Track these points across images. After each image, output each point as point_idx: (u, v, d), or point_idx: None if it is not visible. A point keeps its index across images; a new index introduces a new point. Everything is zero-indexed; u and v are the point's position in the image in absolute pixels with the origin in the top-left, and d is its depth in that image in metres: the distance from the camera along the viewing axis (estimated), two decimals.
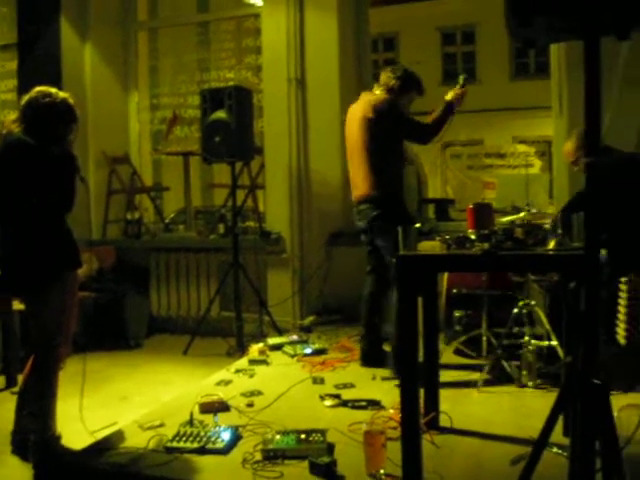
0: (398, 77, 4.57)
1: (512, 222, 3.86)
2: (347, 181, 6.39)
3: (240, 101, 5.61)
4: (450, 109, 4.51)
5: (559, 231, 2.73)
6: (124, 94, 7.59)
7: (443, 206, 7.11)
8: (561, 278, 4.17)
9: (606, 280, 4.24)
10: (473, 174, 16.73)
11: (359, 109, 4.53)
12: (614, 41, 1.83)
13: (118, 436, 3.45)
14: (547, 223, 3.09)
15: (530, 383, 4.11)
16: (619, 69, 3.98)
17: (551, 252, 2.63)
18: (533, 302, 4.33)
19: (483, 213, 3.01)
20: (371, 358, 4.61)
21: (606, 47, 1.94)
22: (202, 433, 3.30)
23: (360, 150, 4.47)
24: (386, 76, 4.61)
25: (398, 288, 2.75)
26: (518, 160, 16.77)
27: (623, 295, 4.65)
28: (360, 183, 4.49)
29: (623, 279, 4.58)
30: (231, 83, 6.81)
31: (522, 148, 17.50)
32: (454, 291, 4.90)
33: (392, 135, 4.45)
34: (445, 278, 5.00)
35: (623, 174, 4.21)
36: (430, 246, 2.90)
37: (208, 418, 3.56)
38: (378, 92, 4.58)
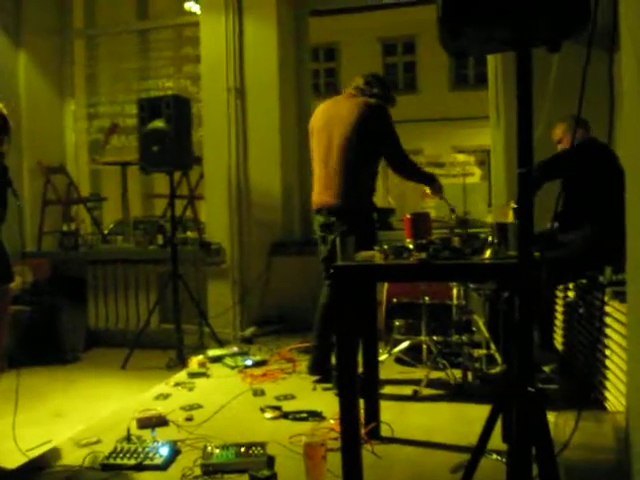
0: (381, 85, 4.48)
1: (450, 231, 3.90)
2: (287, 190, 6.46)
3: (178, 110, 5.55)
4: (430, 179, 4.49)
5: (495, 239, 2.76)
6: (60, 103, 7.45)
7: (385, 215, 7.13)
8: (497, 287, 4.24)
9: (542, 288, 4.32)
10: (413, 183, 16.89)
11: (345, 109, 4.34)
12: (546, 53, 1.86)
13: (53, 454, 3.36)
14: (485, 232, 3.13)
15: (470, 390, 4.15)
16: (550, 80, 4.07)
17: (487, 261, 2.65)
18: (472, 310, 4.38)
19: (420, 222, 3.03)
20: (319, 368, 4.58)
21: (539, 58, 1.98)
22: (140, 449, 3.24)
23: (342, 153, 4.28)
24: (364, 81, 4.52)
25: (335, 298, 2.75)
26: (457, 169, 17.03)
27: (560, 302, 4.76)
28: (335, 190, 4.29)
29: (560, 287, 4.68)
30: (170, 92, 6.74)
31: (461, 157, 17.80)
32: (394, 300, 4.93)
33: (378, 144, 4.30)
34: (385, 287, 5.03)
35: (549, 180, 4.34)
36: (368, 256, 2.90)
37: (146, 433, 3.50)
38: (362, 98, 4.40)
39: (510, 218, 3.88)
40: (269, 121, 6.33)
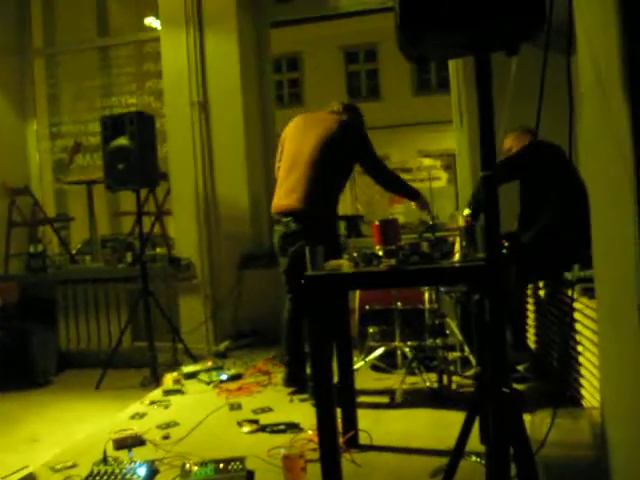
0: (357, 115, 4.58)
1: (419, 236, 3.93)
2: (255, 201, 6.45)
3: (142, 126, 5.51)
4: (415, 194, 4.52)
5: (464, 242, 2.78)
6: (22, 123, 7.37)
7: (354, 222, 7.19)
8: (468, 289, 4.27)
9: (512, 288, 4.36)
10: (381, 189, 16.95)
11: (321, 121, 4.43)
12: (505, 57, 1.88)
13: None
14: (453, 235, 3.15)
15: (447, 394, 4.16)
16: (510, 83, 4.13)
17: (456, 264, 2.67)
18: (445, 314, 4.41)
19: (389, 229, 3.03)
20: (294, 379, 4.57)
21: (498, 62, 2.00)
22: (117, 471, 3.20)
23: (312, 161, 4.32)
24: (342, 107, 4.58)
25: (306, 307, 2.75)
26: (424, 174, 17.12)
27: (531, 301, 4.80)
28: (301, 194, 4.30)
29: (530, 286, 4.72)
30: (133, 108, 6.71)
31: (428, 162, 17.89)
32: (367, 307, 4.95)
33: (351, 159, 4.39)
34: (357, 295, 5.04)
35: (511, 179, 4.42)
36: (338, 265, 2.90)
37: (123, 454, 3.46)
38: (340, 116, 4.50)
39: (460, 223, 3.94)
40: (234, 133, 6.32)
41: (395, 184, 4.52)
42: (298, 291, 4.45)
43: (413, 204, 4.55)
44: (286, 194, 4.35)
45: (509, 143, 4.77)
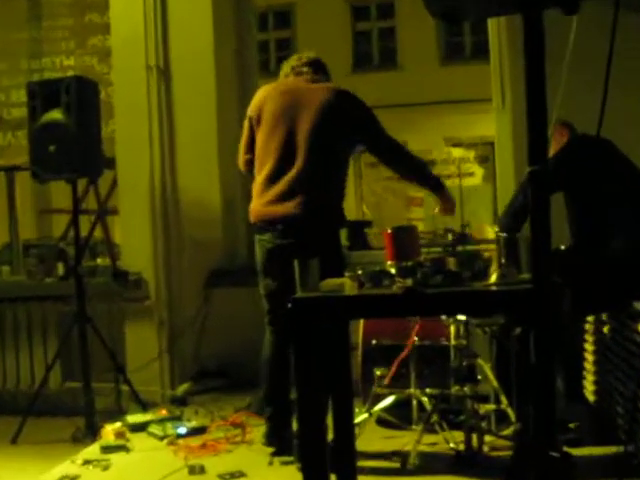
0: (325, 73, 4.65)
1: (445, 249, 3.94)
2: (228, 201, 6.46)
3: (82, 97, 5.51)
4: (438, 184, 4.57)
5: (503, 259, 2.79)
6: None
7: (358, 230, 7.19)
8: (507, 321, 4.28)
9: (566, 321, 4.36)
10: (395, 187, 16.93)
11: (307, 95, 4.43)
12: (562, 16, 1.89)
13: None
14: (489, 249, 3.16)
15: (476, 457, 4.16)
16: (568, 51, 4.14)
17: (493, 288, 2.68)
18: (476, 353, 4.41)
19: (405, 239, 3.05)
20: (276, 437, 4.55)
21: (553, 23, 2.01)
22: None
23: (313, 151, 4.31)
24: (308, 65, 4.62)
25: (292, 341, 2.76)
26: (452, 168, 17.12)
27: (589, 339, 4.80)
28: (302, 198, 4.28)
29: (589, 318, 4.72)
30: (71, 72, 6.71)
31: (458, 152, 17.88)
32: (373, 342, 4.96)
33: (355, 142, 4.48)
34: (361, 326, 5.05)
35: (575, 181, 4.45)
36: (337, 284, 2.91)
37: None
38: (329, 84, 4.56)
39: (490, 235, 3.97)
40: (203, 109, 6.34)
41: (412, 166, 4.56)
42: (285, 321, 4.45)
43: (436, 208, 4.57)
44: (278, 197, 4.33)
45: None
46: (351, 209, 15.99)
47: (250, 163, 4.60)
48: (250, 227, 4.67)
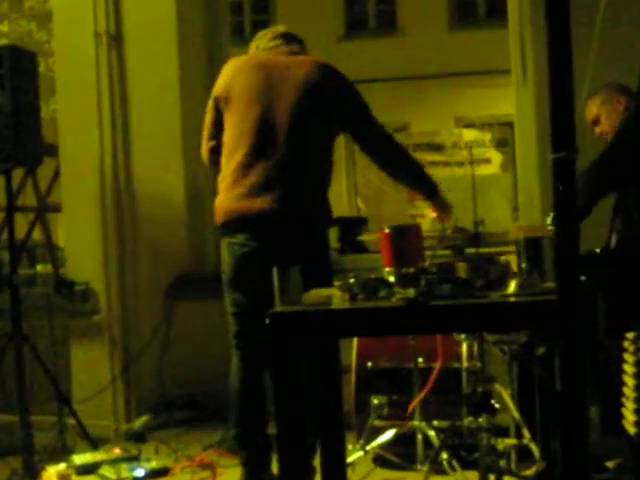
0: (302, 46, 4.67)
1: (456, 252, 3.95)
2: (195, 197, 6.46)
3: (17, 70, 5.51)
4: (431, 185, 4.57)
5: (524, 264, 2.81)
6: None
7: (350, 229, 7.21)
8: (530, 338, 4.29)
9: (600, 338, 4.38)
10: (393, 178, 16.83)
11: (285, 70, 4.44)
12: None
13: None
14: (508, 252, 3.17)
15: None
16: (600, 10, 4.14)
17: (512, 298, 2.70)
18: (493, 377, 4.42)
19: (406, 241, 3.06)
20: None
21: None
22: None
23: (295, 136, 4.33)
24: (281, 38, 4.64)
25: (270, 366, 2.77)
26: (464, 154, 17.06)
27: (630, 359, 4.81)
28: (283, 190, 4.28)
29: (630, 334, 4.74)
30: (4, 41, 6.70)
31: (470, 135, 17.81)
32: (369, 365, 4.95)
33: (340, 127, 4.52)
34: (354, 346, 5.05)
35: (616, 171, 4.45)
36: (324, 296, 2.92)
37: None
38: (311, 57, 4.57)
39: (515, 233, 3.97)
40: (164, 85, 6.35)
41: (405, 163, 4.57)
42: (259, 343, 4.42)
43: (431, 214, 4.61)
44: (252, 190, 4.31)
45: (594, 110, 4.83)
46: (342, 204, 16.02)
47: (216, 151, 4.56)
48: (219, 233, 4.64)
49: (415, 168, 4.59)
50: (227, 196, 4.38)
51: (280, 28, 4.71)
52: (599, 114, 4.79)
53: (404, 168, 4.56)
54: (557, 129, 1.84)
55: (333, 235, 6.84)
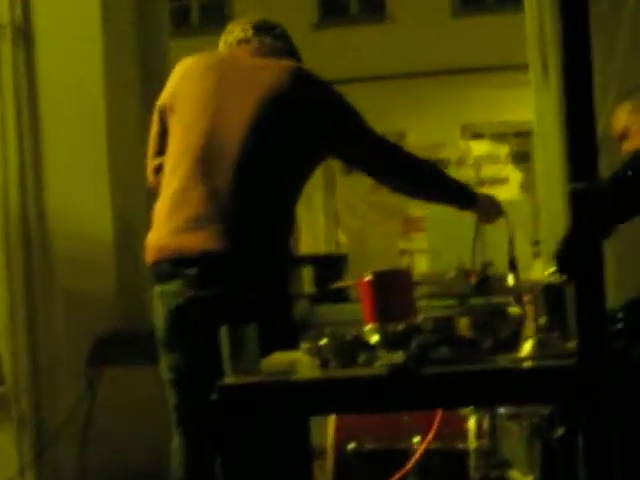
0: (285, 39, 4.65)
1: (460, 301, 3.94)
2: (125, 231, 6.45)
3: None
4: (465, 196, 4.53)
5: (542, 319, 2.79)
6: None
7: (329, 269, 7.21)
8: (553, 411, 4.28)
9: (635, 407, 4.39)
10: (385, 202, 16.75)
11: (246, 73, 4.43)
12: None
13: None
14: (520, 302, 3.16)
15: None
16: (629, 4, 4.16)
17: (528, 364, 2.68)
18: (507, 460, 4.41)
19: (392, 290, 3.05)
20: None
21: None
22: None
23: (240, 164, 4.25)
24: (252, 30, 4.62)
25: (219, 451, 2.75)
26: (471, 172, 17.09)
27: None
28: (224, 225, 4.19)
29: None
30: None
31: (481, 148, 17.88)
32: (350, 447, 4.93)
33: (318, 145, 4.41)
34: (332, 423, 5.03)
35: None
36: (287, 363, 2.91)
37: None
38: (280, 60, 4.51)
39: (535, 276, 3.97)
40: (84, 92, 6.34)
41: (423, 179, 4.47)
42: (206, 417, 4.39)
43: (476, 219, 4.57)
44: (187, 224, 4.25)
45: (623, 121, 4.80)
46: (319, 238, 16.00)
47: (157, 174, 4.53)
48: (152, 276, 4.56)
49: (439, 177, 4.52)
50: (160, 231, 4.31)
51: (255, 17, 4.66)
52: (627, 126, 4.76)
53: (426, 182, 4.47)
54: (576, 151, 1.83)
55: (307, 278, 6.82)
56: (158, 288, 4.28)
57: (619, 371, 2.33)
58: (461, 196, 4.45)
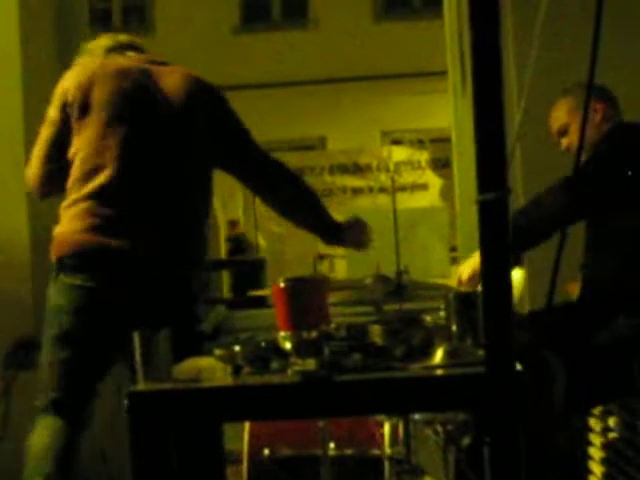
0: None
1: (377, 309, 3.95)
2: (40, 236, 6.37)
3: None
4: (329, 226, 4.61)
5: (454, 326, 2.81)
6: None
7: (247, 274, 7.22)
8: (467, 419, 4.30)
9: (561, 413, 4.42)
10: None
11: (165, 77, 4.47)
12: None
13: None
14: (435, 310, 3.18)
15: None
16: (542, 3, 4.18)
17: (439, 371, 2.69)
18: (421, 468, 4.42)
19: (306, 297, 3.05)
20: None
21: None
22: None
23: (157, 165, 4.37)
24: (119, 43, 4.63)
25: (132, 460, 2.74)
26: (388, 178, 17.09)
27: (597, 441, 4.86)
28: (134, 228, 4.26)
29: (597, 410, 4.79)
30: None
31: (400, 154, 17.89)
32: (265, 453, 4.92)
33: (214, 154, 4.52)
34: (246, 429, 5.02)
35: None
36: (202, 368, 2.90)
37: None
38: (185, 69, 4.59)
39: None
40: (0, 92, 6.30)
41: (302, 200, 4.59)
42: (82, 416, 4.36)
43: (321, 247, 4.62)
44: (110, 224, 4.25)
45: (563, 118, 4.82)
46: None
47: (55, 178, 4.47)
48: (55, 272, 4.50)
49: (318, 204, 4.63)
50: (75, 225, 4.31)
51: (123, 37, 4.68)
52: (568, 122, 4.79)
53: (304, 205, 4.59)
54: (484, 162, 1.84)
55: (225, 282, 6.83)
56: (62, 279, 4.31)
57: None
58: (329, 231, 4.61)
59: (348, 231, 4.53)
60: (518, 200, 4.97)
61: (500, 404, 1.89)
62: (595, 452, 4.86)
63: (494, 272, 1.89)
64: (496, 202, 1.83)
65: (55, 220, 6.28)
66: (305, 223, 4.65)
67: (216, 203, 11.45)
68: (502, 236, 1.86)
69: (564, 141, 4.83)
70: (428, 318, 3.00)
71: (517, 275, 4.31)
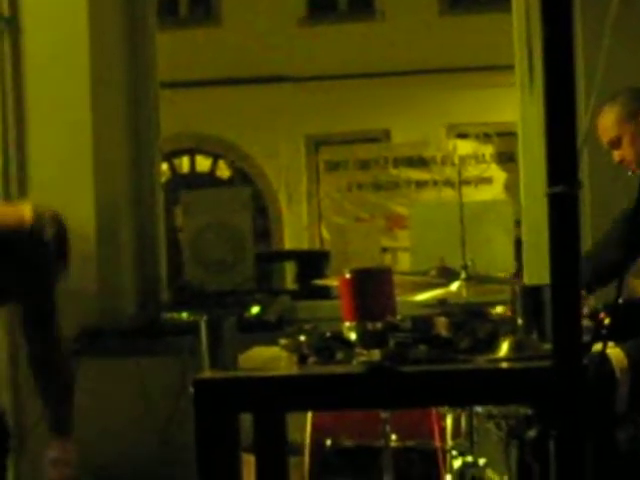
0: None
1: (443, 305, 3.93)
2: (108, 222, 6.38)
3: None
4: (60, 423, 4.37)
5: (520, 320, 2.79)
6: None
7: (311, 266, 7.18)
8: (531, 414, 4.27)
9: (623, 410, 4.38)
10: (368, 199, 16.64)
11: None
12: None
13: None
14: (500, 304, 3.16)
15: None
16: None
17: (504, 364, 2.68)
18: (482, 460, 4.39)
19: (371, 288, 3.05)
20: None
21: None
22: None
23: None
24: None
25: (197, 441, 2.74)
26: (453, 172, 16.96)
27: None
28: None
29: None
30: None
31: (465, 147, 17.77)
32: (328, 443, 4.91)
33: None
34: (309, 419, 5.01)
35: None
36: (267, 357, 2.91)
37: None
38: None
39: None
40: (71, 81, 6.29)
41: (56, 372, 4.34)
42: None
43: None
44: None
45: (612, 128, 4.71)
46: (302, 233, 15.86)
47: None
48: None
49: (68, 388, 4.38)
50: None
51: None
52: (619, 135, 4.68)
53: (51, 386, 4.30)
54: (554, 154, 1.84)
55: (290, 273, 6.79)
56: None
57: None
58: (63, 423, 4.27)
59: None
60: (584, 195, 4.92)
61: (567, 398, 1.87)
62: None
63: (563, 266, 1.87)
64: (566, 195, 1.82)
65: (123, 205, 6.35)
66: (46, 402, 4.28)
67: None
68: (572, 230, 1.85)
69: (617, 153, 4.69)
70: (494, 311, 2.98)
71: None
